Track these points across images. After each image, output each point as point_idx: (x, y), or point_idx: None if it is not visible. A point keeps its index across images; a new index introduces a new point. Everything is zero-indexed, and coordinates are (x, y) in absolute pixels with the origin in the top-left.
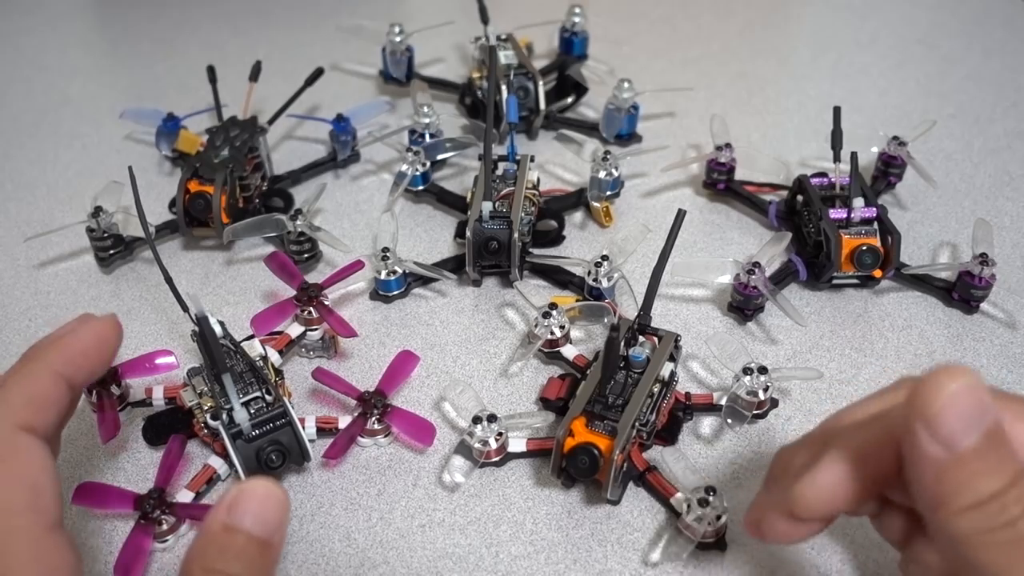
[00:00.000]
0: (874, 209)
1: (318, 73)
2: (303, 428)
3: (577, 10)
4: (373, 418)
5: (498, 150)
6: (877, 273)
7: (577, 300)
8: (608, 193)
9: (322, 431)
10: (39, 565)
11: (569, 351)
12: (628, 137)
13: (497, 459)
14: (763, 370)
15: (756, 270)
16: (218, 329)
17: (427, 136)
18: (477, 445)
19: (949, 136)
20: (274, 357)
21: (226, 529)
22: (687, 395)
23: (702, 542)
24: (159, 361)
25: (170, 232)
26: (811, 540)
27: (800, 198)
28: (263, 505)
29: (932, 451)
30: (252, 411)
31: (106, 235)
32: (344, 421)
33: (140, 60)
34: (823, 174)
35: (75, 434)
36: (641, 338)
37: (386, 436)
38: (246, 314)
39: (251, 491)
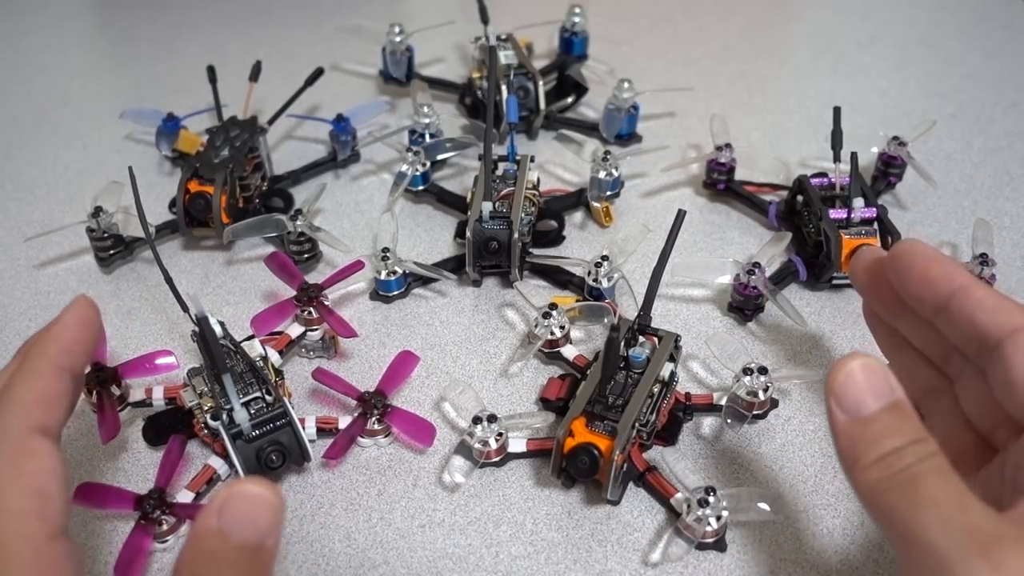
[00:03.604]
0: (874, 209)
1: (318, 73)
2: (303, 428)
3: (577, 10)
4: (373, 418)
5: (498, 150)
6: None
7: (577, 300)
8: (608, 193)
9: (322, 431)
10: (37, 573)
11: (569, 351)
12: (628, 137)
13: (497, 459)
14: (763, 370)
15: (756, 270)
16: (218, 329)
17: (427, 136)
18: (477, 445)
19: (949, 136)
20: (274, 357)
21: (216, 534)
22: (687, 395)
23: (702, 542)
24: (159, 361)
25: (170, 232)
26: (811, 540)
27: (800, 198)
28: (254, 509)
29: (839, 418)
30: (252, 411)
31: (106, 235)
32: (344, 421)
33: (140, 60)
34: (823, 174)
35: (75, 434)
36: (641, 338)
37: (386, 436)
38: (246, 314)
39: (241, 494)
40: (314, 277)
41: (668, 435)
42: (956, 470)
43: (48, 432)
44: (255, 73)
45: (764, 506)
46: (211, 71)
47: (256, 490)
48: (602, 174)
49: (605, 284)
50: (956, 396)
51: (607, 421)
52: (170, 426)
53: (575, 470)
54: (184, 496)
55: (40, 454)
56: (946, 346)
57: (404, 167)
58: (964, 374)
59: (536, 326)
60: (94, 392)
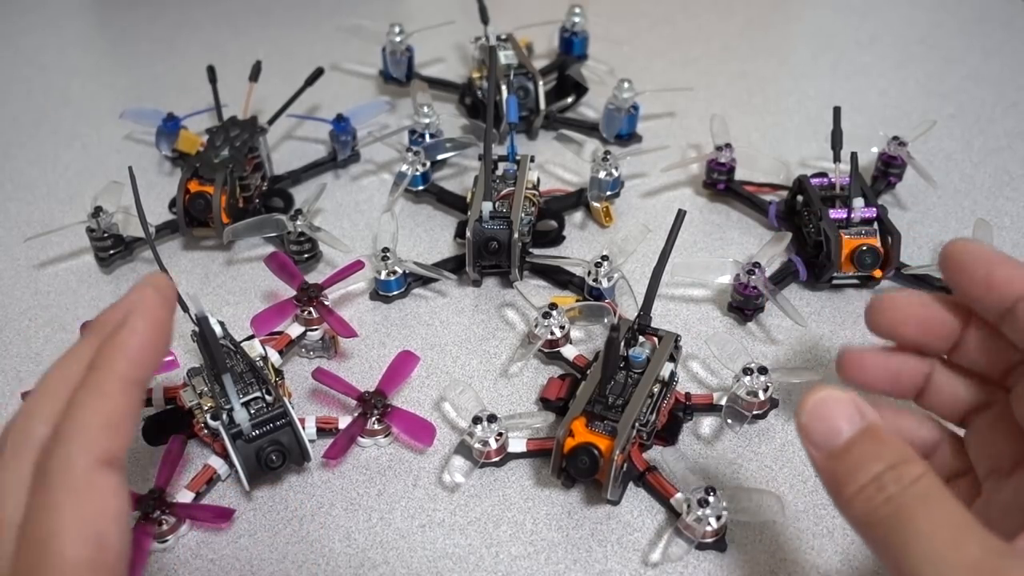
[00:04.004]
0: (874, 209)
1: (318, 73)
2: (303, 428)
3: (577, 10)
4: (373, 418)
5: (498, 150)
6: (877, 273)
7: (577, 300)
8: (608, 193)
9: (322, 431)
10: None
11: (569, 351)
12: (628, 137)
13: (497, 459)
14: (763, 370)
15: (756, 270)
16: (218, 329)
17: (427, 136)
18: (477, 445)
19: (949, 136)
20: (274, 357)
21: None
22: (687, 395)
23: (702, 542)
24: None
25: (170, 232)
26: (811, 540)
27: (800, 198)
28: None
29: (813, 454)
30: (252, 411)
31: (106, 235)
32: (344, 421)
33: (140, 60)
34: (823, 174)
35: None
36: (641, 338)
37: (386, 436)
38: (246, 314)
39: None
40: (314, 277)
41: (668, 435)
42: (994, 473)
43: (115, 462)
44: (255, 73)
45: (764, 506)
46: (211, 71)
47: None
48: (602, 174)
49: (605, 284)
50: (1003, 403)
51: (607, 421)
52: (170, 426)
53: (575, 470)
54: (184, 496)
55: (103, 491)
56: (1006, 357)
57: (404, 167)
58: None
59: (536, 326)
60: None
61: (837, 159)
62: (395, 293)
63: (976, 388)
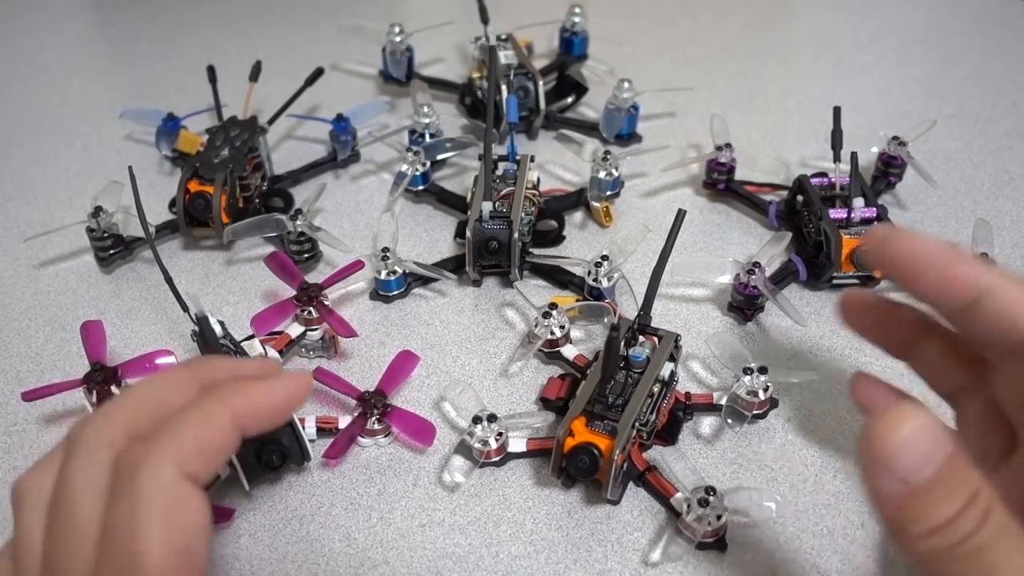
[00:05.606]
0: (874, 209)
1: (318, 73)
2: (303, 428)
3: (577, 10)
4: (373, 418)
5: (498, 150)
6: (877, 273)
7: (577, 300)
8: (608, 193)
9: (322, 431)
10: None
11: (569, 351)
12: (628, 137)
13: (497, 459)
14: (763, 370)
15: (756, 270)
16: (218, 329)
17: (427, 136)
18: (477, 445)
19: (949, 136)
20: (274, 357)
21: None
22: (687, 395)
23: (702, 542)
24: (159, 361)
25: (170, 232)
26: (811, 540)
27: (800, 198)
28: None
29: (890, 487)
30: None
31: (106, 235)
32: (344, 421)
33: (140, 60)
34: (823, 174)
35: None
36: (641, 338)
37: (386, 436)
38: (246, 314)
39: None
40: (314, 277)
41: (668, 435)
42: (984, 463)
43: (198, 482)
44: (255, 73)
45: (764, 506)
46: (211, 71)
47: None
48: (602, 174)
49: (605, 284)
50: (987, 390)
51: (607, 421)
52: None
53: (575, 470)
54: None
55: (191, 506)
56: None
57: (404, 167)
58: (1006, 361)
59: (536, 326)
60: (94, 392)
61: (837, 159)
62: (395, 293)
63: (955, 368)
